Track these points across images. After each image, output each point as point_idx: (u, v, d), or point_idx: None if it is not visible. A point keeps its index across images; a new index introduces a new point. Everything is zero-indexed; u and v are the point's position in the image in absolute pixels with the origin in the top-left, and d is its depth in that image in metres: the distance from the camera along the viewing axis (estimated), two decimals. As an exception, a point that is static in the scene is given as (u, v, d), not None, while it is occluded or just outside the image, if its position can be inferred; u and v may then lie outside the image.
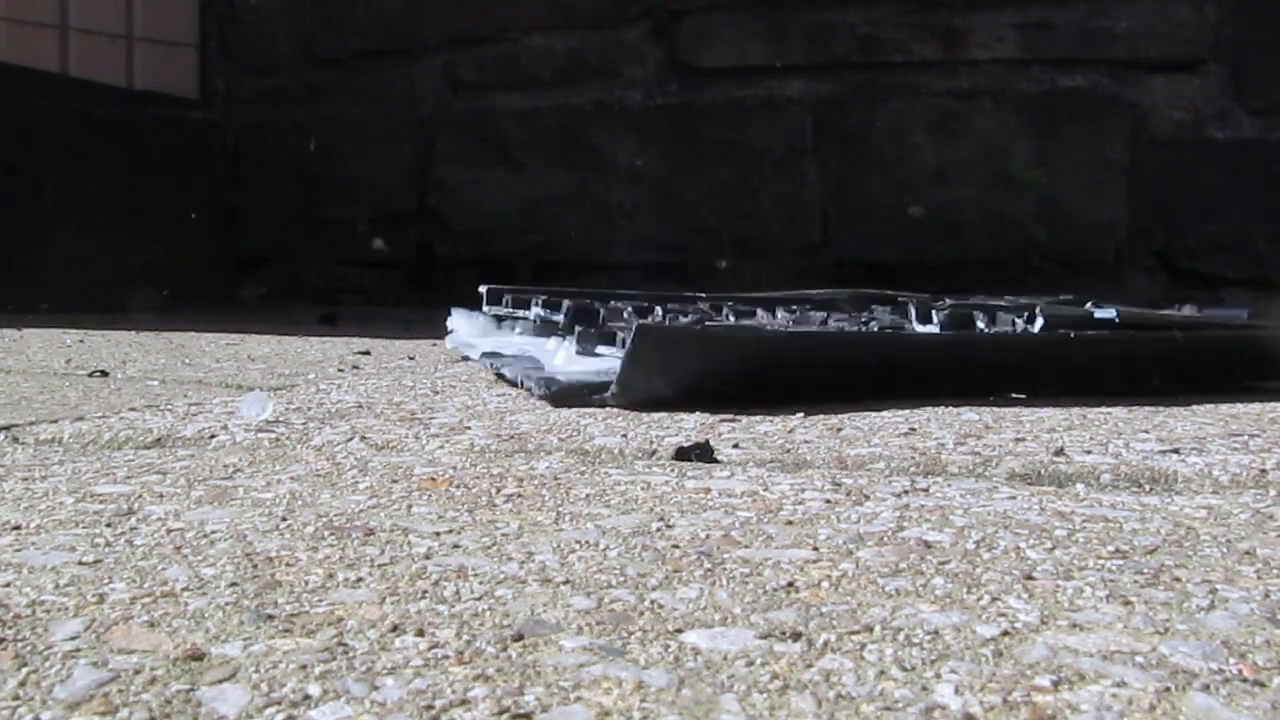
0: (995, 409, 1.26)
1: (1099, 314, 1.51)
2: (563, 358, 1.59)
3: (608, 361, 1.44)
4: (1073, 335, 1.45)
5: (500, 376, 1.54)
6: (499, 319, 2.00)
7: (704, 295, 2.09)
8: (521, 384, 1.43)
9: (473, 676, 0.45)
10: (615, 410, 1.24)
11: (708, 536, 0.68)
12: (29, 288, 3.37)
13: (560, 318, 1.71)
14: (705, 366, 1.31)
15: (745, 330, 1.63)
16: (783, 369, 1.36)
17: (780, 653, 0.48)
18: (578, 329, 1.58)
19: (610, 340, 1.52)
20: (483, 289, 2.05)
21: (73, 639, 0.48)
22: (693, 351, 1.32)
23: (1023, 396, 1.35)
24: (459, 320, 2.02)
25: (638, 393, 1.27)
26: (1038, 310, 1.53)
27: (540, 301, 1.83)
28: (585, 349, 1.53)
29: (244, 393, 1.31)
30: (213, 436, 1.05)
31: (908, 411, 1.23)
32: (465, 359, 1.87)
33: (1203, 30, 3.22)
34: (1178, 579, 0.59)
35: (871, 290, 2.04)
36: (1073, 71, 3.32)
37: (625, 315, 1.71)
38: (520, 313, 1.90)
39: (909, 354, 1.44)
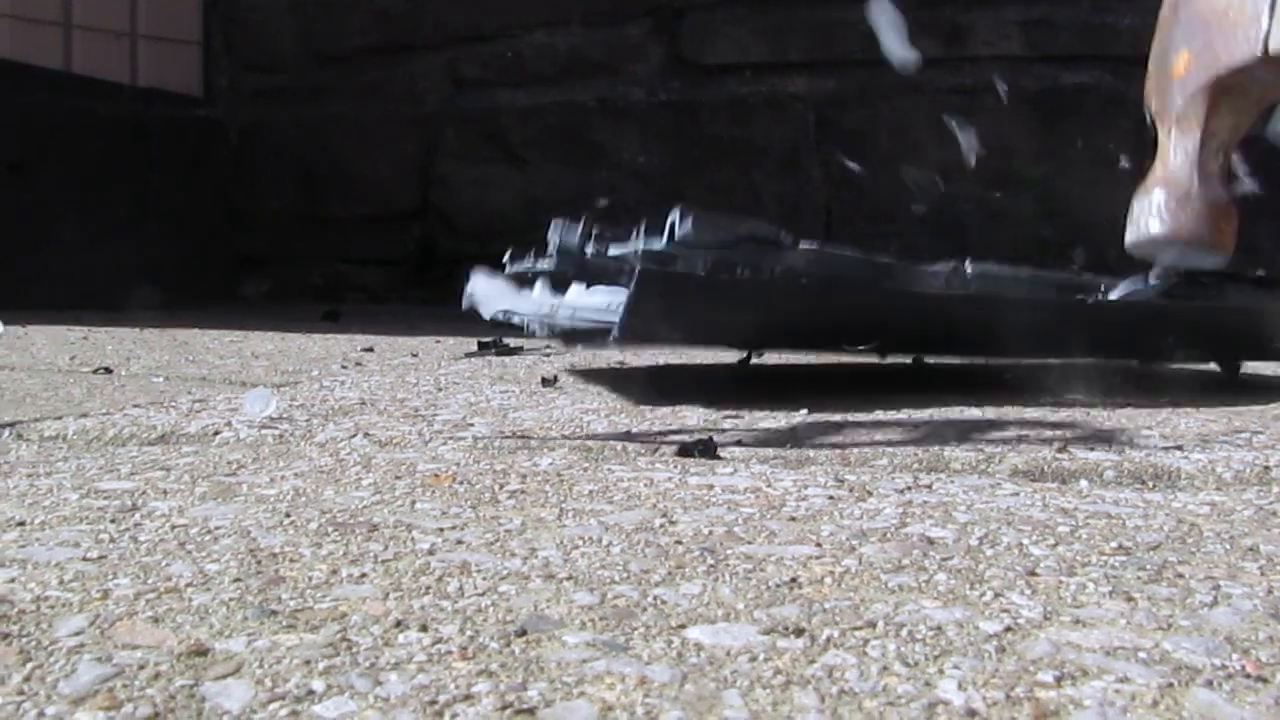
0: (998, 408, 1.26)
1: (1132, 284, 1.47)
2: (574, 293, 1.56)
3: (619, 297, 1.40)
4: (1104, 299, 1.39)
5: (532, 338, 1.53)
6: (519, 280, 1.96)
7: None
8: (527, 327, 1.41)
9: (476, 672, 0.45)
10: (619, 406, 1.24)
11: (711, 533, 0.68)
12: (33, 284, 3.38)
13: (574, 240, 1.67)
14: (714, 314, 1.25)
15: (757, 278, 1.57)
16: (799, 319, 1.29)
17: (783, 648, 0.48)
18: (594, 249, 1.53)
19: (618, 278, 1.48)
20: (508, 252, 2.03)
21: (77, 634, 0.49)
22: (700, 298, 1.25)
23: (1055, 361, 1.30)
24: (479, 282, 1.98)
25: (640, 338, 1.23)
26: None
27: (560, 227, 1.80)
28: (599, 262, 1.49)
29: (248, 389, 1.31)
30: (216, 433, 1.05)
31: (912, 408, 1.23)
32: (475, 349, 1.87)
33: (1206, 27, 3.21)
34: (1181, 575, 0.59)
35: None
36: (1076, 68, 3.32)
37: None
38: (541, 265, 1.86)
39: (936, 306, 1.36)
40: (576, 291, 1.54)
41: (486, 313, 1.74)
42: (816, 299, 1.35)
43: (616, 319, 1.25)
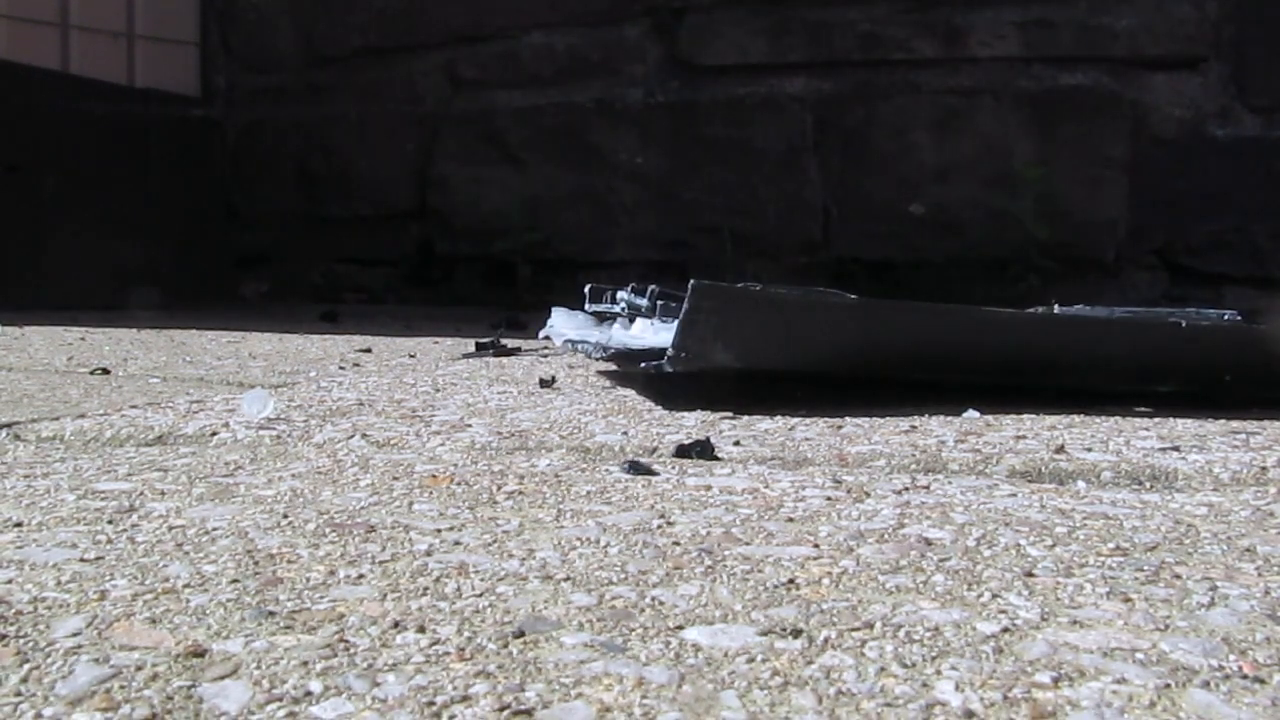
0: (995, 409, 1.26)
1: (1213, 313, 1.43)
2: (638, 328, 1.56)
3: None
4: (1190, 325, 1.31)
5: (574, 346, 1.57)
6: (599, 317, 1.99)
7: None
8: (577, 348, 1.41)
9: (474, 673, 0.45)
10: (616, 407, 1.24)
11: (708, 533, 0.68)
12: (30, 285, 3.37)
13: (644, 301, 1.70)
14: (776, 335, 1.20)
15: (826, 296, 1.46)
16: (876, 344, 1.23)
17: (781, 649, 0.48)
18: (659, 304, 1.54)
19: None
20: (586, 288, 2.05)
21: (74, 635, 0.48)
22: (762, 317, 1.20)
23: (1148, 410, 1.25)
24: (559, 317, 2.01)
25: (695, 360, 1.17)
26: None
27: (630, 288, 1.83)
28: (667, 321, 1.51)
29: (245, 390, 1.31)
30: (214, 434, 1.05)
31: (909, 409, 1.23)
32: (473, 350, 1.87)
33: (1203, 28, 3.22)
34: (1178, 576, 0.59)
35: None
36: (1073, 69, 3.32)
37: None
38: (618, 307, 1.89)
39: (1031, 327, 1.30)
40: (642, 326, 1.55)
41: (558, 340, 1.77)
42: (895, 316, 1.27)
43: (670, 343, 1.22)
